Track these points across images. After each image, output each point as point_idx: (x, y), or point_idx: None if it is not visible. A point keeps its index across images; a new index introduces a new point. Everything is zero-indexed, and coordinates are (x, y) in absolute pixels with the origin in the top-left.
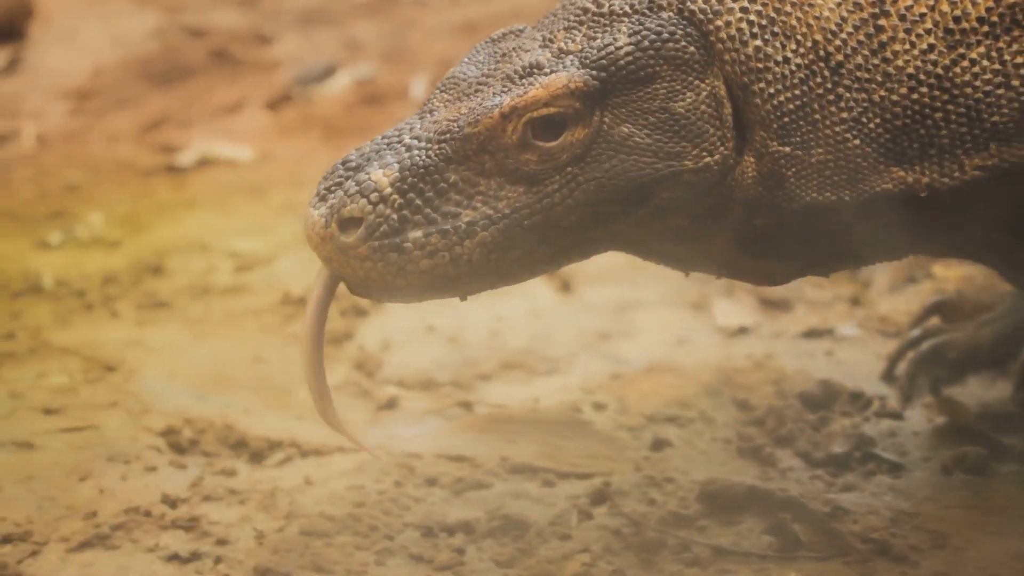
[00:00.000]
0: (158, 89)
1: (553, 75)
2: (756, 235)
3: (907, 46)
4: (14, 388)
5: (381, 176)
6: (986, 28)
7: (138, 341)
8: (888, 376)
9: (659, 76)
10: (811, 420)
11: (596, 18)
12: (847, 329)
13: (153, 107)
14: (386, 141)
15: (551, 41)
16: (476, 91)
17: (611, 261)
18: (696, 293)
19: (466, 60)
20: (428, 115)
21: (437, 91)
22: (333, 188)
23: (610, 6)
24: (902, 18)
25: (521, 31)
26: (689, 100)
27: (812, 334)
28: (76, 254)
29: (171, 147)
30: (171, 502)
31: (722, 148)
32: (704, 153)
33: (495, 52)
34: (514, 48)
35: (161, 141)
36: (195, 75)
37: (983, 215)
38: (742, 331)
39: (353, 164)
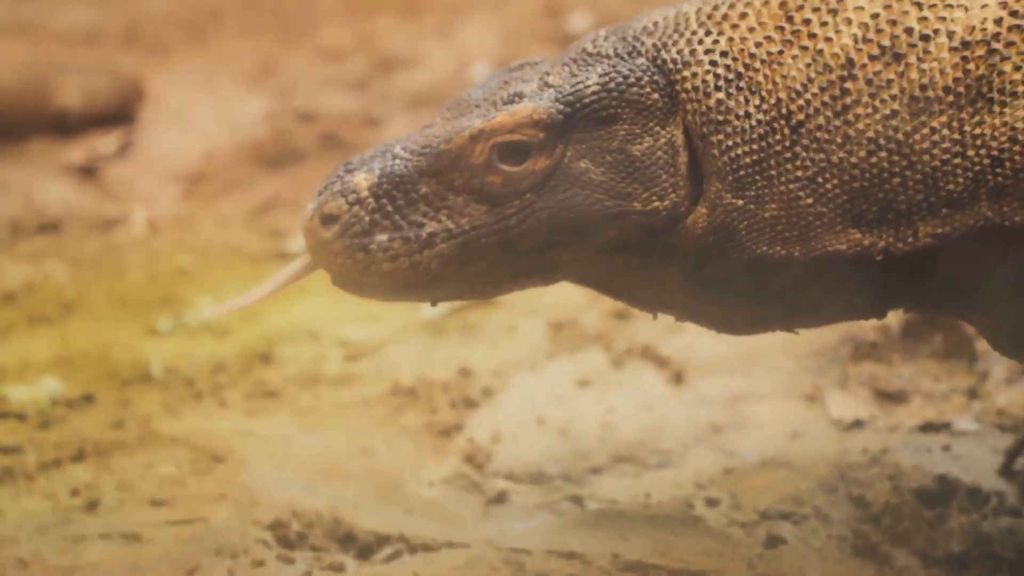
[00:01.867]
0: (269, 173)
1: (521, 104)
2: (709, 283)
3: (870, 110)
4: (122, 479)
5: (361, 179)
6: (951, 98)
7: (247, 431)
8: (1006, 471)
9: (620, 118)
10: (928, 517)
11: (586, 57)
12: (964, 423)
13: (263, 191)
14: (383, 149)
15: (547, 74)
16: (470, 112)
17: (723, 351)
18: (810, 384)
19: (479, 84)
20: (427, 129)
21: (444, 109)
22: (328, 186)
23: (598, 48)
24: (868, 82)
25: (537, 63)
26: (647, 145)
27: (928, 428)
28: (185, 341)
29: (281, 232)
30: None
31: (673, 195)
32: (654, 198)
33: (504, 79)
34: (518, 77)
35: (271, 225)
36: (306, 159)
37: (938, 280)
38: (857, 424)
39: (352, 167)
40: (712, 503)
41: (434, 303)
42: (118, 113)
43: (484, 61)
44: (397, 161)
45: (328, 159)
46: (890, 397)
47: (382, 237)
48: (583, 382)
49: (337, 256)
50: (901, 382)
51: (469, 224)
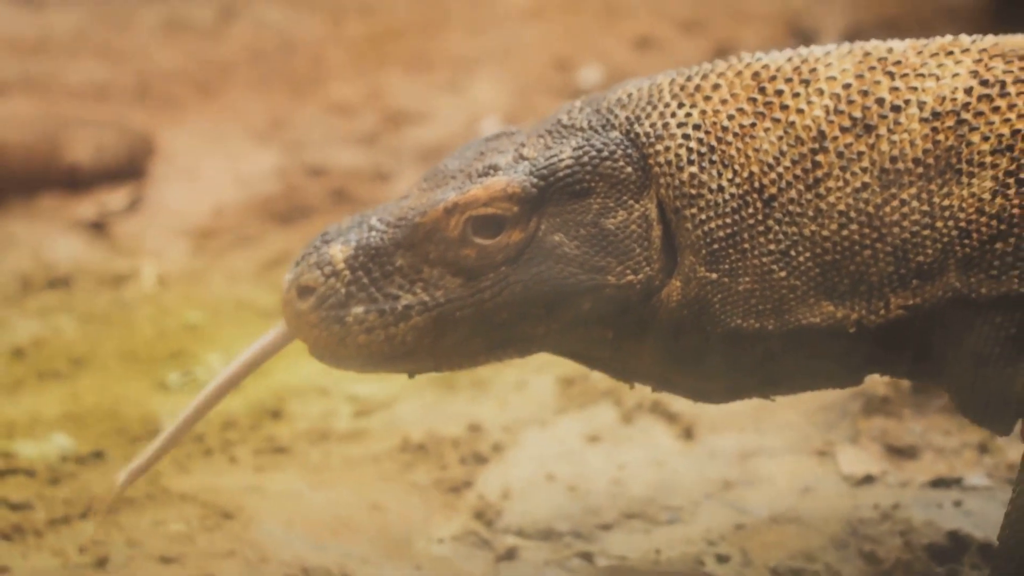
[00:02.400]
0: (278, 228)
1: (495, 177)
2: (683, 354)
3: (841, 183)
4: (132, 536)
5: (337, 251)
6: (921, 169)
7: (257, 487)
8: None
9: (594, 192)
10: (940, 573)
11: (560, 129)
12: (976, 478)
13: (273, 246)
14: (359, 219)
15: (523, 146)
16: (445, 183)
17: (734, 407)
18: (821, 440)
19: (455, 154)
20: (403, 200)
21: (421, 179)
22: (305, 257)
23: (573, 121)
24: (840, 155)
25: (513, 133)
26: (620, 218)
27: (940, 483)
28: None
29: None
30: None
31: (647, 268)
32: (628, 271)
33: (479, 149)
34: (493, 148)
35: (281, 280)
36: (315, 214)
37: (911, 349)
38: (868, 479)
39: (329, 237)
40: (723, 559)
41: (411, 375)
42: (128, 168)
43: (494, 115)
44: (373, 233)
45: (338, 214)
46: (901, 452)
47: (358, 309)
48: (593, 438)
49: (313, 328)
50: (912, 437)
51: (444, 297)
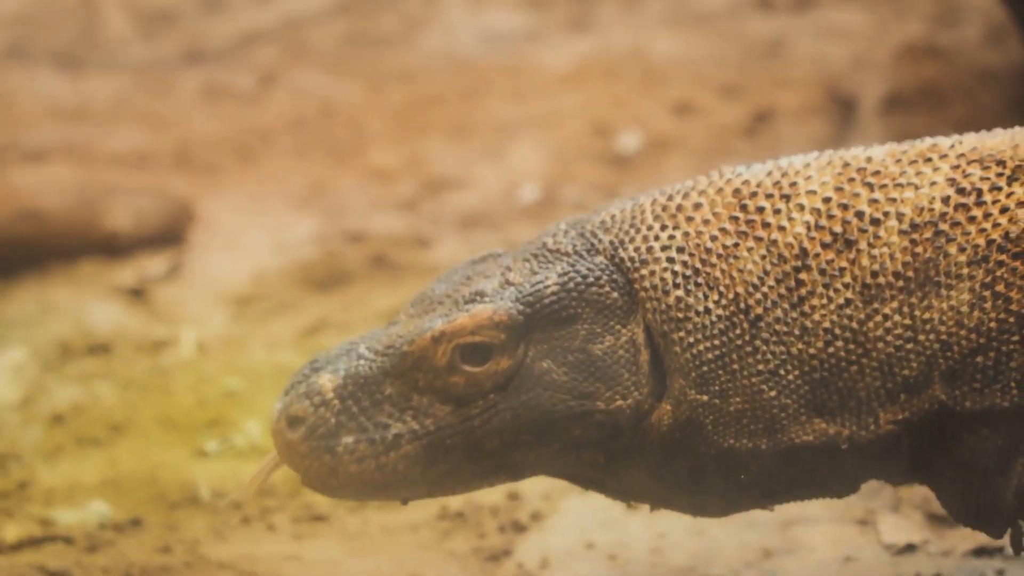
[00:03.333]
0: (318, 294)
1: (481, 305)
2: (677, 475)
3: (825, 300)
4: None
5: (327, 381)
6: (901, 283)
7: (295, 555)
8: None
9: (581, 318)
10: None
11: (546, 253)
12: None
13: (313, 312)
14: (348, 346)
15: (508, 270)
16: (433, 309)
17: None
18: (862, 508)
19: (441, 277)
20: (392, 326)
21: (408, 305)
22: (295, 386)
23: (558, 245)
24: (822, 272)
25: (499, 255)
26: (608, 344)
27: (982, 552)
28: (233, 463)
29: None
30: None
31: (636, 393)
32: (617, 396)
33: (466, 273)
34: (479, 272)
35: (320, 347)
36: (355, 280)
37: (903, 459)
38: (909, 548)
39: (317, 365)
40: None
41: (404, 502)
42: (168, 235)
43: (533, 182)
44: (362, 362)
45: (377, 279)
46: (943, 521)
47: (348, 439)
48: (633, 507)
49: (304, 458)
50: None
51: (434, 425)
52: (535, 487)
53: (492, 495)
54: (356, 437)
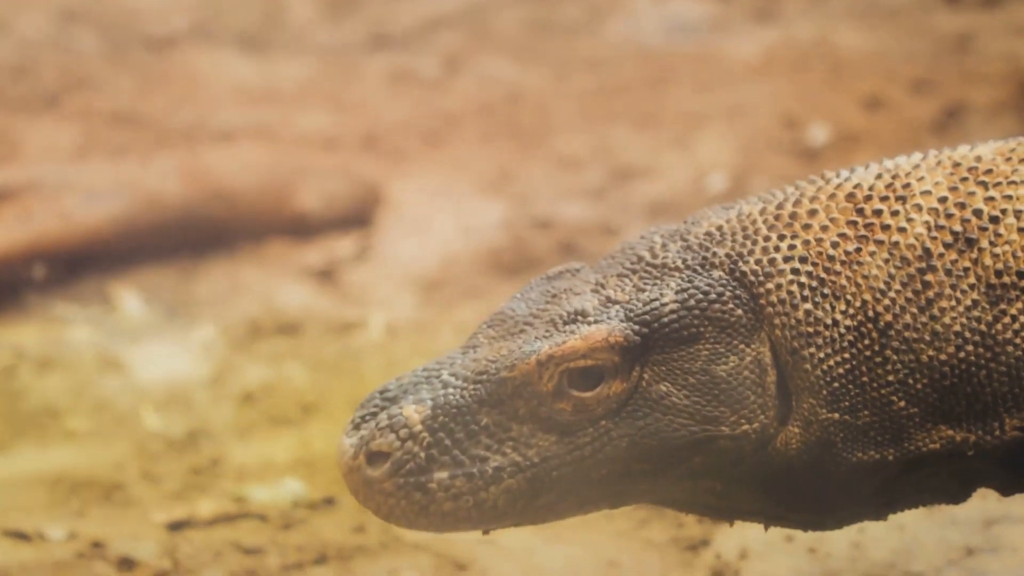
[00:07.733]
0: (506, 280)
1: (594, 327)
2: (799, 494)
3: (953, 302)
4: None
5: (413, 412)
6: None
7: (491, 540)
8: None
9: (703, 337)
10: None
11: (648, 268)
12: None
13: (501, 298)
14: (425, 374)
15: (602, 287)
16: (520, 331)
17: None
18: None
19: (518, 296)
20: (471, 351)
21: (484, 326)
22: (367, 418)
23: (663, 258)
24: (948, 272)
25: (577, 270)
26: (732, 364)
27: None
28: None
29: None
30: None
31: (762, 416)
32: (743, 420)
33: (547, 291)
34: (565, 289)
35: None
36: (543, 266)
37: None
38: None
39: (391, 395)
40: None
41: (486, 532)
42: (356, 217)
43: (721, 172)
44: (451, 390)
45: None
46: None
47: (442, 475)
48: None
49: (388, 496)
50: None
51: (538, 456)
52: None
53: None
54: (451, 472)
